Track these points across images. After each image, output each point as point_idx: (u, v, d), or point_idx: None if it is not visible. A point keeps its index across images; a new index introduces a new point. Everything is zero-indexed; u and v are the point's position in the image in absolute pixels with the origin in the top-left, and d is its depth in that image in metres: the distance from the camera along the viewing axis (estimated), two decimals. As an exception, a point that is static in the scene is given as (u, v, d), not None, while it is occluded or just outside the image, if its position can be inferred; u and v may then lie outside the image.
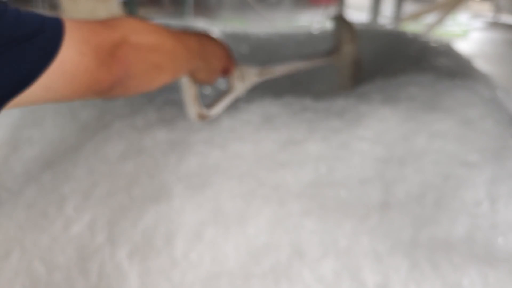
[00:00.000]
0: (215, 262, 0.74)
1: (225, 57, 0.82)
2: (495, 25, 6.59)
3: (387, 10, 4.25)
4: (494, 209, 0.83)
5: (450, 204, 0.84)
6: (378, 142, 0.91)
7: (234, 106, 1.00)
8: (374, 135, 0.92)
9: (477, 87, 1.11)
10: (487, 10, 7.24)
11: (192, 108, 0.86)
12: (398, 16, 4.06)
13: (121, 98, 1.09)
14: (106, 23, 0.54)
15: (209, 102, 0.90)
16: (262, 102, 1.02)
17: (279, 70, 1.02)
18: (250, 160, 0.87)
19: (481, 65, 1.43)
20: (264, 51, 1.59)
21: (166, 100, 1.04)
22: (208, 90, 1.13)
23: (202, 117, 0.87)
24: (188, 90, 0.84)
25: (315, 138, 0.91)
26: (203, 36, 0.77)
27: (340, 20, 1.25)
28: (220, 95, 0.92)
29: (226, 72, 0.86)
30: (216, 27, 1.73)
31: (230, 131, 0.92)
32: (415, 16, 4.47)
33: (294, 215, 0.79)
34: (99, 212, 0.81)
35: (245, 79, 0.91)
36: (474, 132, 0.94)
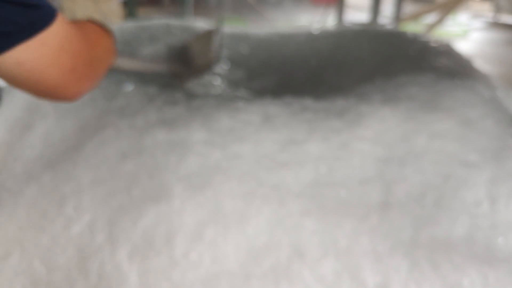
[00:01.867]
0: (215, 262, 0.74)
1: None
2: (495, 25, 6.59)
3: (387, 10, 4.25)
4: (494, 209, 0.83)
5: (450, 204, 0.83)
6: (378, 142, 0.91)
7: (234, 106, 1.00)
8: (374, 135, 0.92)
9: (477, 87, 1.11)
10: (487, 10, 7.23)
11: None
12: (398, 16, 4.06)
13: (121, 98, 1.09)
14: (87, 36, 0.57)
15: None
16: (262, 102, 1.02)
17: (126, 65, 1.07)
18: (250, 160, 0.87)
19: (481, 65, 1.42)
20: (264, 51, 1.59)
21: (166, 100, 1.04)
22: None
23: None
24: None
25: (315, 138, 0.91)
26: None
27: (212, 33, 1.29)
28: None
29: None
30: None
31: (230, 131, 0.92)
32: (415, 16, 4.47)
33: (294, 215, 0.79)
34: (99, 212, 0.81)
35: None
36: (474, 132, 0.94)
